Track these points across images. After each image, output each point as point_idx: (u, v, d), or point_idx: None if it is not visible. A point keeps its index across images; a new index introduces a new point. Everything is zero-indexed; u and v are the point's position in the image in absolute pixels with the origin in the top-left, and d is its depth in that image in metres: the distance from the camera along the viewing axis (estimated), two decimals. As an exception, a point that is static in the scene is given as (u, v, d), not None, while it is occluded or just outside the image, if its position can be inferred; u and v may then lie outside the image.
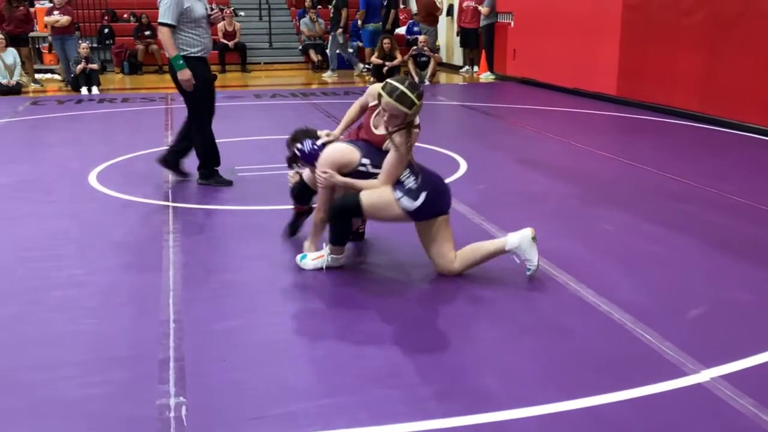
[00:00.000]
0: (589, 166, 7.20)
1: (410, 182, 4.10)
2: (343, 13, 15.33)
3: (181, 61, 5.86)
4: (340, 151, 4.30)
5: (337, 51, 15.87)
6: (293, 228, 4.84)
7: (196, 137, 6.26)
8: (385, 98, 4.00)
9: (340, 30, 15.72)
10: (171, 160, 6.43)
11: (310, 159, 4.42)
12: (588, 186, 6.35)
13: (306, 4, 17.35)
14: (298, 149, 4.47)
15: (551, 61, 12.88)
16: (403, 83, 4.03)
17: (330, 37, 15.79)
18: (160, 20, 5.86)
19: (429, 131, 9.04)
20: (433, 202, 4.11)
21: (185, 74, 5.89)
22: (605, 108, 10.77)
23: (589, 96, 11.70)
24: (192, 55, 5.97)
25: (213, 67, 14.08)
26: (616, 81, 11.21)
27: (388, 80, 4.09)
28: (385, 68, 14.05)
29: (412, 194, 4.07)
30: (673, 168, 6.82)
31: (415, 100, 4.01)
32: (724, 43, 9.15)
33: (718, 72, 9.28)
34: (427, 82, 14.11)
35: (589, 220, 5.41)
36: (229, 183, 6.32)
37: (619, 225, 5.24)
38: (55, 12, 13.54)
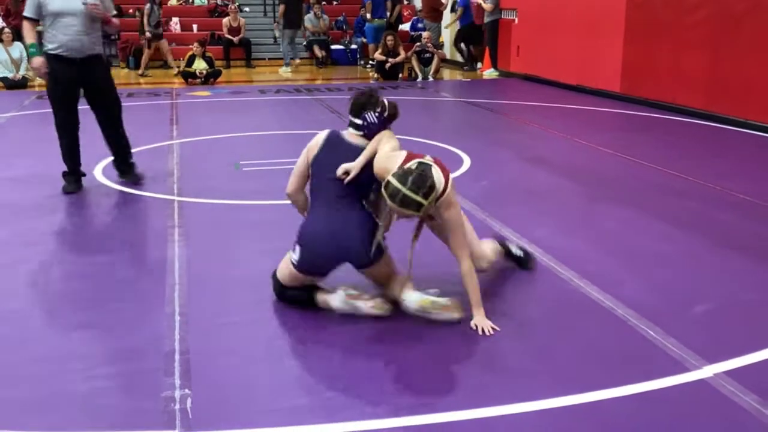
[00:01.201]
0: (593, 163, 7.20)
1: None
2: (281, 8, 15.48)
3: (33, 49, 5.76)
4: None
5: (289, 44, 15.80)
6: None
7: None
8: (389, 202, 3.37)
9: (275, 24, 15.76)
10: (121, 167, 6.29)
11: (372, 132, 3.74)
12: (592, 183, 6.35)
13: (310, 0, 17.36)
14: (367, 119, 3.70)
15: (555, 57, 12.87)
16: (405, 181, 3.32)
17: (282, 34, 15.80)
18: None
19: (433, 128, 9.07)
20: (309, 260, 3.61)
21: (34, 62, 5.75)
22: (609, 105, 10.76)
23: (593, 93, 11.69)
24: (49, 51, 5.78)
25: (218, 63, 14.26)
26: (620, 78, 11.20)
27: (390, 177, 3.37)
28: (388, 65, 14.05)
29: (295, 246, 3.62)
30: (677, 165, 6.82)
31: (422, 201, 3.33)
32: (729, 41, 9.13)
33: (723, 70, 9.26)
34: (430, 79, 14.12)
35: (593, 217, 5.42)
36: (71, 191, 5.92)
37: (622, 222, 5.24)
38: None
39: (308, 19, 17.05)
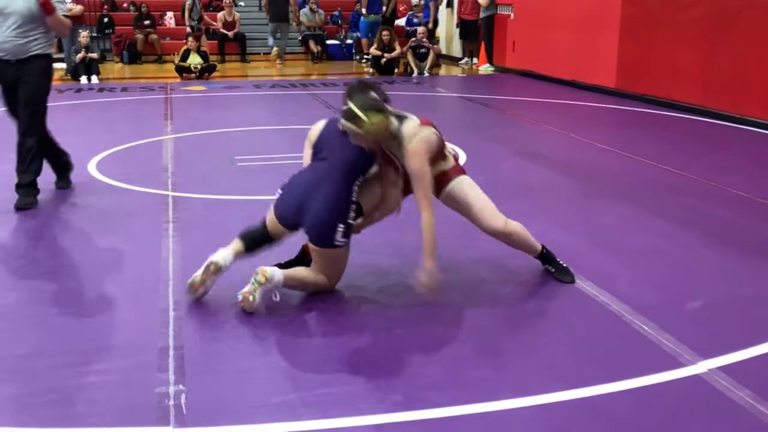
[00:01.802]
0: (589, 158, 7.20)
1: None
2: (264, 0, 16.15)
3: None
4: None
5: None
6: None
7: None
8: (342, 119, 3.53)
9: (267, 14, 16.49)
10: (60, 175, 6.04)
11: None
12: (587, 178, 6.35)
13: (306, -6, 17.33)
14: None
15: (551, 53, 12.88)
16: (353, 96, 3.46)
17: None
18: None
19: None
20: (279, 205, 3.74)
21: None
22: (604, 101, 10.76)
23: (589, 89, 11.69)
24: None
25: (212, 57, 14.23)
26: (615, 74, 11.21)
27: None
28: (384, 60, 14.03)
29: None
30: (673, 161, 6.82)
31: (362, 116, 3.38)
32: (724, 36, 9.14)
33: (718, 65, 9.27)
34: (426, 74, 14.10)
35: (589, 213, 5.42)
36: (20, 207, 5.43)
37: (618, 217, 5.24)
38: (68, 1, 13.51)
39: (304, 14, 17.03)
